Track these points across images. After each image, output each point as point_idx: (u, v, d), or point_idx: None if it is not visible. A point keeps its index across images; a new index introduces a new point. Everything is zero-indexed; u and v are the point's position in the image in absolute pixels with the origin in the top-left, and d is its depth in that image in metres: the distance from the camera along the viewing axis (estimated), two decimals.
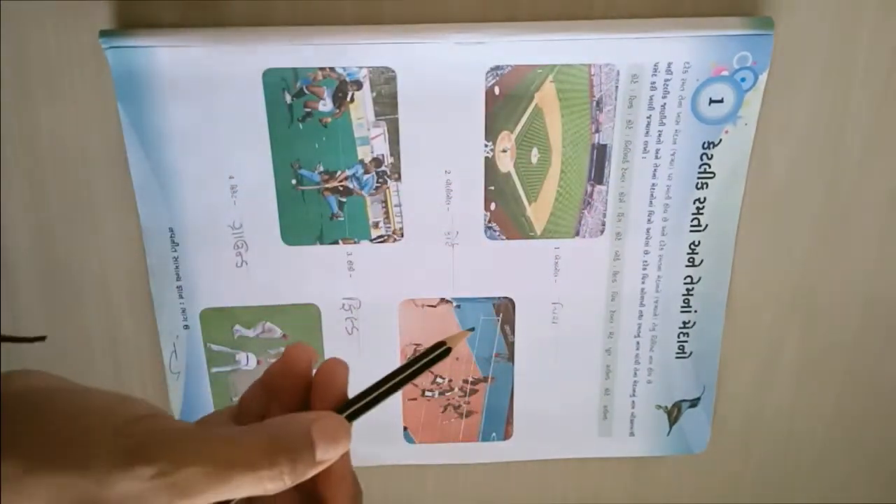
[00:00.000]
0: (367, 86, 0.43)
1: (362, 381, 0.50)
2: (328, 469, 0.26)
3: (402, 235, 0.47)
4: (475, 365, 0.50)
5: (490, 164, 0.45)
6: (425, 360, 0.29)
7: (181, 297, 0.47)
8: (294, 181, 0.45)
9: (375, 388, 0.28)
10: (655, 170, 0.46)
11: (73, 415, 0.24)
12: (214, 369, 0.49)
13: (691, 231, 0.47)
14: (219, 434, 0.25)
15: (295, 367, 0.29)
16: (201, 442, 0.24)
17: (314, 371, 0.30)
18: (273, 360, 0.31)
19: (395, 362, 0.49)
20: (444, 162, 0.45)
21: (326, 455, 0.25)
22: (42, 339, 0.31)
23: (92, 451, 0.23)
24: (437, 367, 0.50)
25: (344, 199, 0.46)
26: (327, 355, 0.49)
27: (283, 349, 0.49)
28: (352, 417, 0.28)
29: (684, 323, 0.50)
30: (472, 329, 0.30)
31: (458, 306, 0.48)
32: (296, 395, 0.29)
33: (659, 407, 0.52)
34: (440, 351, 0.29)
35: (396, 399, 0.50)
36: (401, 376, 0.29)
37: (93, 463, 0.23)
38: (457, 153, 0.45)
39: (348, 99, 0.43)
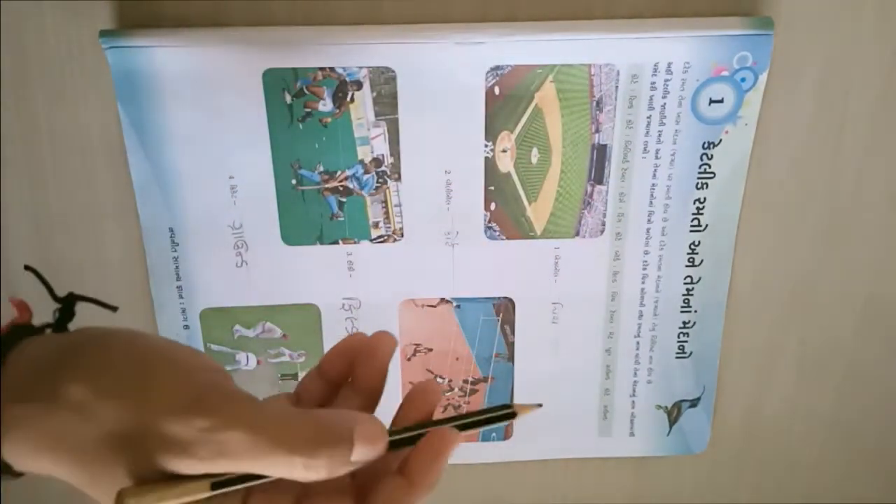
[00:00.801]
0: (367, 86, 0.43)
1: None
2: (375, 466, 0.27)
3: (402, 235, 0.47)
4: (475, 365, 0.50)
5: (490, 164, 0.45)
6: (486, 417, 0.29)
7: (181, 297, 0.47)
8: (294, 181, 0.45)
9: (427, 425, 0.28)
10: (655, 170, 0.46)
11: (145, 356, 0.26)
12: None
13: (691, 231, 0.47)
14: (272, 410, 0.26)
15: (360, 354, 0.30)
16: (255, 411, 0.25)
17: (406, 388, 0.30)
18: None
19: (395, 363, 0.49)
20: (444, 162, 0.45)
21: (361, 457, 0.25)
22: (115, 308, 0.32)
23: (156, 392, 0.25)
24: (437, 367, 0.50)
25: (344, 199, 0.46)
26: None
27: (283, 348, 0.49)
28: (394, 445, 0.27)
29: (684, 323, 0.50)
30: (541, 405, 0.30)
31: (458, 306, 0.48)
32: (360, 381, 0.30)
33: (659, 407, 0.52)
34: (505, 413, 0.29)
35: (397, 399, 0.50)
36: (455, 423, 0.28)
37: (154, 402, 0.25)
38: (457, 153, 0.45)
39: (348, 99, 0.43)
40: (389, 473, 0.27)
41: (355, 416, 0.26)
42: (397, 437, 0.27)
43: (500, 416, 0.29)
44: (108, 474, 0.25)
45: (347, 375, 0.30)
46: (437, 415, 0.30)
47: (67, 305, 0.31)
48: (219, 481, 0.25)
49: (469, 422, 0.28)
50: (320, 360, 0.31)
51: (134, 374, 0.26)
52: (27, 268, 0.33)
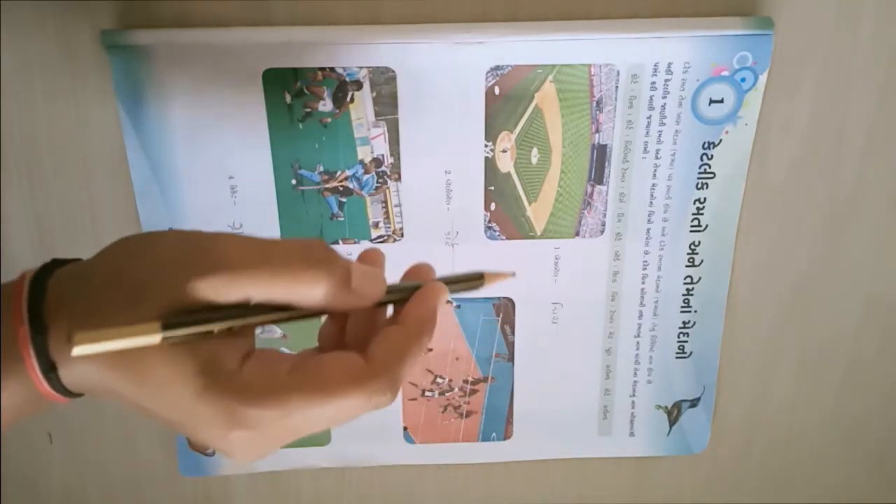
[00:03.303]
0: (366, 86, 0.43)
1: None
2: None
3: (402, 235, 0.47)
4: (475, 365, 0.50)
5: (490, 165, 0.45)
6: (458, 282, 0.31)
7: None
8: (294, 181, 0.45)
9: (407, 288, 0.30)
10: (655, 170, 0.46)
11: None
12: None
13: (691, 231, 0.47)
14: (261, 238, 0.28)
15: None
16: (248, 240, 0.28)
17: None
18: None
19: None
20: (444, 162, 0.45)
21: (360, 282, 0.28)
22: None
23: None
24: (437, 367, 0.50)
25: (344, 200, 0.46)
26: None
27: (283, 349, 0.49)
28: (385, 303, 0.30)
29: (684, 323, 0.50)
30: (514, 273, 0.32)
31: (458, 306, 0.48)
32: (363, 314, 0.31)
33: (659, 407, 0.52)
34: (475, 277, 0.32)
35: (397, 399, 0.50)
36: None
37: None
38: (457, 153, 0.45)
39: (348, 99, 0.43)
40: (385, 326, 0.29)
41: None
42: (393, 287, 0.30)
43: (471, 279, 0.32)
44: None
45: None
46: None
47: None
48: (171, 322, 0.25)
49: (444, 281, 0.31)
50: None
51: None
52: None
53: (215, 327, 0.26)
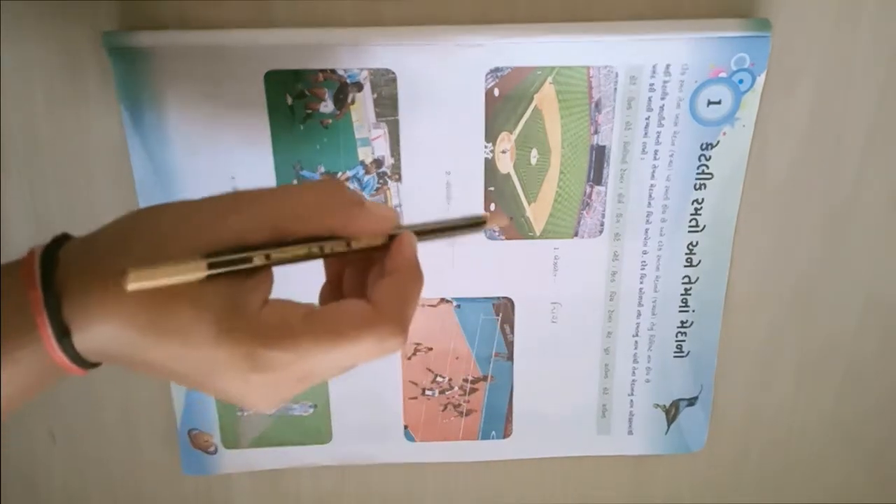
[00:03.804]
0: (367, 87, 0.43)
1: (362, 381, 0.50)
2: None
3: None
4: (475, 364, 0.50)
5: (490, 165, 0.45)
6: (460, 227, 0.34)
7: None
8: (295, 182, 0.45)
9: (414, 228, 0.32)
10: (654, 171, 0.46)
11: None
12: None
13: (689, 232, 0.47)
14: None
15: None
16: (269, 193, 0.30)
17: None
18: None
19: (396, 362, 0.50)
20: (445, 163, 0.45)
21: (377, 210, 0.30)
22: None
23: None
24: (437, 366, 0.50)
25: None
26: None
27: None
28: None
29: (682, 322, 0.50)
30: (512, 218, 0.36)
31: (458, 306, 0.49)
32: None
33: (657, 406, 0.52)
34: (476, 222, 0.34)
35: (397, 398, 0.51)
36: (433, 228, 0.33)
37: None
38: (457, 154, 0.45)
39: (349, 100, 0.44)
40: (378, 280, 0.31)
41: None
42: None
43: (473, 223, 0.34)
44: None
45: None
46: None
47: None
48: (216, 261, 0.27)
49: (440, 227, 0.34)
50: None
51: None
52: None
53: (255, 256, 0.28)
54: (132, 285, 0.25)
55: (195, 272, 0.26)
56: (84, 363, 0.27)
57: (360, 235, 0.30)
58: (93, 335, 0.27)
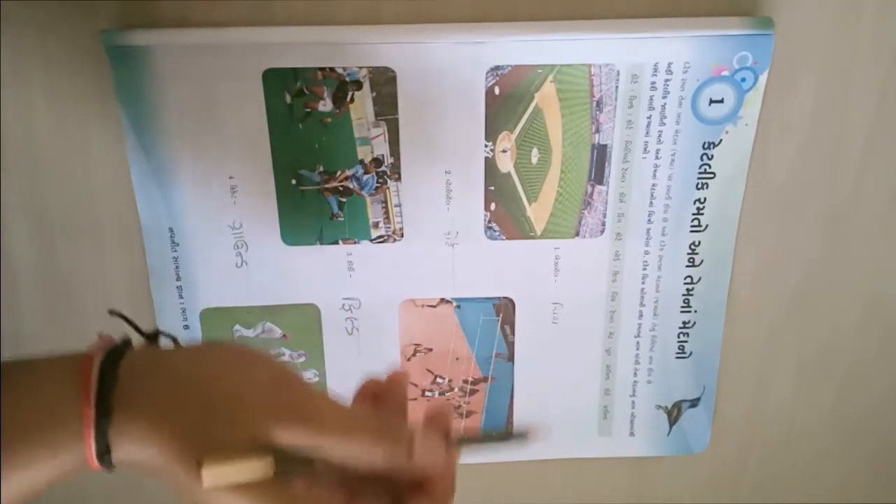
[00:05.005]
0: (367, 86, 0.43)
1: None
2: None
3: (402, 235, 0.47)
4: (475, 365, 0.50)
5: (490, 165, 0.45)
6: (507, 440, 0.35)
7: (181, 297, 0.47)
8: (294, 181, 0.45)
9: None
10: (656, 170, 0.46)
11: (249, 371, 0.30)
12: None
13: (691, 231, 0.47)
14: (345, 406, 0.31)
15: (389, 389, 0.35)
16: (335, 406, 0.30)
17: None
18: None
19: (396, 362, 0.49)
20: (444, 162, 0.45)
21: (421, 453, 0.30)
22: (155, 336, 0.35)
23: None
24: (438, 368, 0.50)
25: (344, 200, 0.46)
26: (327, 355, 0.49)
27: (283, 348, 0.49)
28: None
29: (684, 323, 0.50)
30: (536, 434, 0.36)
31: (458, 306, 0.48)
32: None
33: (659, 407, 0.52)
34: (521, 436, 0.35)
35: None
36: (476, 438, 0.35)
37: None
38: (457, 153, 0.45)
39: (348, 99, 0.43)
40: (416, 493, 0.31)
41: (419, 428, 0.31)
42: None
43: (518, 435, 0.35)
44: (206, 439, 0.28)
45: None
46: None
47: (152, 338, 0.34)
48: (283, 470, 0.28)
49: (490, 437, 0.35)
50: (360, 386, 0.34)
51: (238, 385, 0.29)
52: (112, 312, 0.35)
53: (319, 464, 0.29)
54: (207, 483, 0.27)
55: (263, 472, 0.27)
56: (113, 466, 0.28)
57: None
58: (134, 459, 0.28)
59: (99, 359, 0.28)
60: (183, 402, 0.28)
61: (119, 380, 0.28)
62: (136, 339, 0.32)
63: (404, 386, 0.35)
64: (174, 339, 0.34)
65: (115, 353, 0.29)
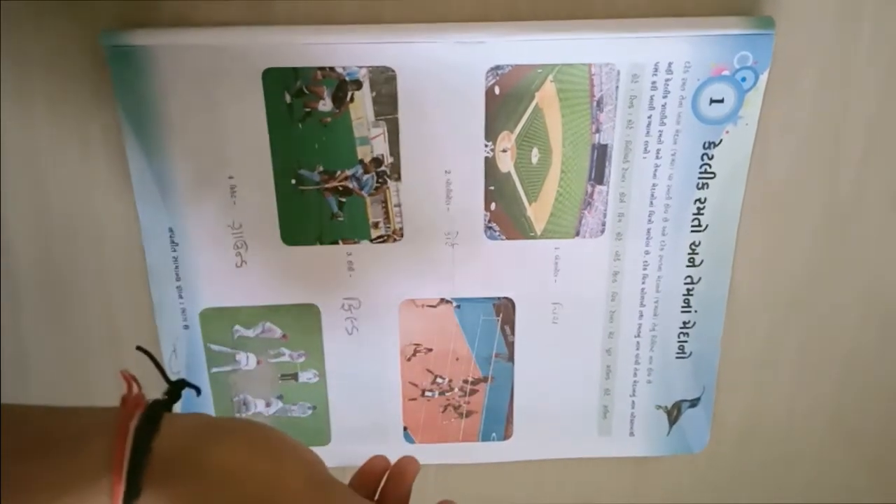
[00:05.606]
0: (366, 85, 0.43)
1: (363, 381, 0.50)
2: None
3: (402, 235, 0.46)
4: (475, 365, 0.50)
5: (490, 164, 0.45)
6: None
7: (181, 297, 0.47)
8: (294, 181, 0.45)
9: None
10: (656, 170, 0.46)
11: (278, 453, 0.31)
12: (214, 369, 0.49)
13: (692, 231, 0.47)
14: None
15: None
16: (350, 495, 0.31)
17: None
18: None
19: (395, 363, 0.49)
20: (444, 162, 0.45)
21: None
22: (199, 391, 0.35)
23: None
24: (437, 367, 0.50)
25: (344, 199, 0.46)
26: (327, 355, 0.49)
27: (283, 348, 0.49)
28: None
29: (684, 323, 0.50)
30: None
31: (458, 306, 0.48)
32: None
33: (659, 407, 0.52)
34: None
35: (397, 399, 0.50)
36: None
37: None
38: (457, 153, 0.45)
39: (348, 98, 0.43)
40: None
41: None
42: None
43: None
44: None
45: (373, 494, 0.35)
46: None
47: (177, 388, 0.34)
48: None
49: None
50: (349, 483, 0.35)
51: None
52: (139, 349, 0.35)
53: None
54: None
55: None
56: None
57: None
58: None
59: (133, 428, 0.28)
60: (211, 498, 0.28)
61: (153, 456, 0.28)
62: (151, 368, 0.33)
63: (412, 475, 0.35)
64: (197, 389, 0.34)
65: (149, 423, 0.29)
